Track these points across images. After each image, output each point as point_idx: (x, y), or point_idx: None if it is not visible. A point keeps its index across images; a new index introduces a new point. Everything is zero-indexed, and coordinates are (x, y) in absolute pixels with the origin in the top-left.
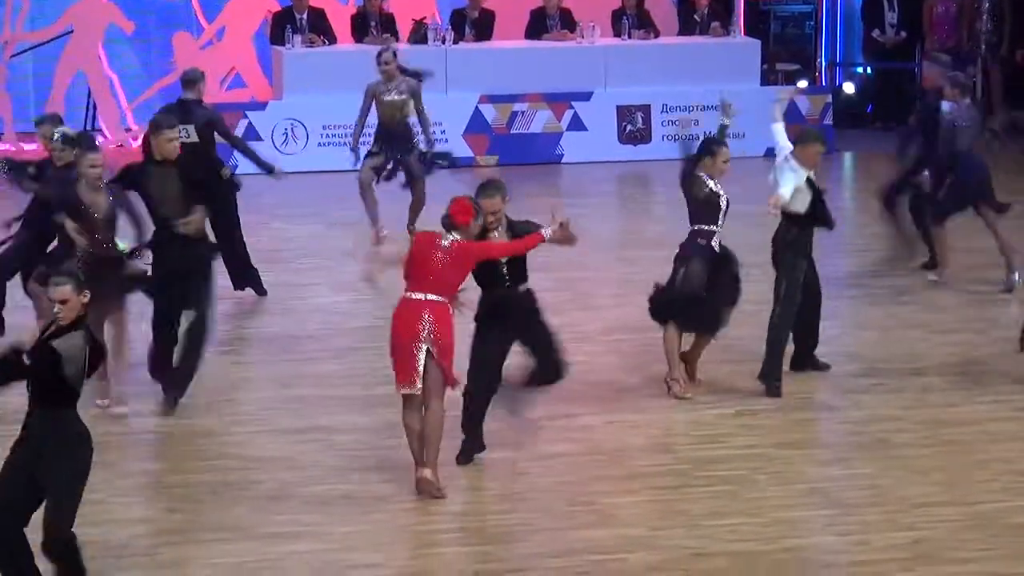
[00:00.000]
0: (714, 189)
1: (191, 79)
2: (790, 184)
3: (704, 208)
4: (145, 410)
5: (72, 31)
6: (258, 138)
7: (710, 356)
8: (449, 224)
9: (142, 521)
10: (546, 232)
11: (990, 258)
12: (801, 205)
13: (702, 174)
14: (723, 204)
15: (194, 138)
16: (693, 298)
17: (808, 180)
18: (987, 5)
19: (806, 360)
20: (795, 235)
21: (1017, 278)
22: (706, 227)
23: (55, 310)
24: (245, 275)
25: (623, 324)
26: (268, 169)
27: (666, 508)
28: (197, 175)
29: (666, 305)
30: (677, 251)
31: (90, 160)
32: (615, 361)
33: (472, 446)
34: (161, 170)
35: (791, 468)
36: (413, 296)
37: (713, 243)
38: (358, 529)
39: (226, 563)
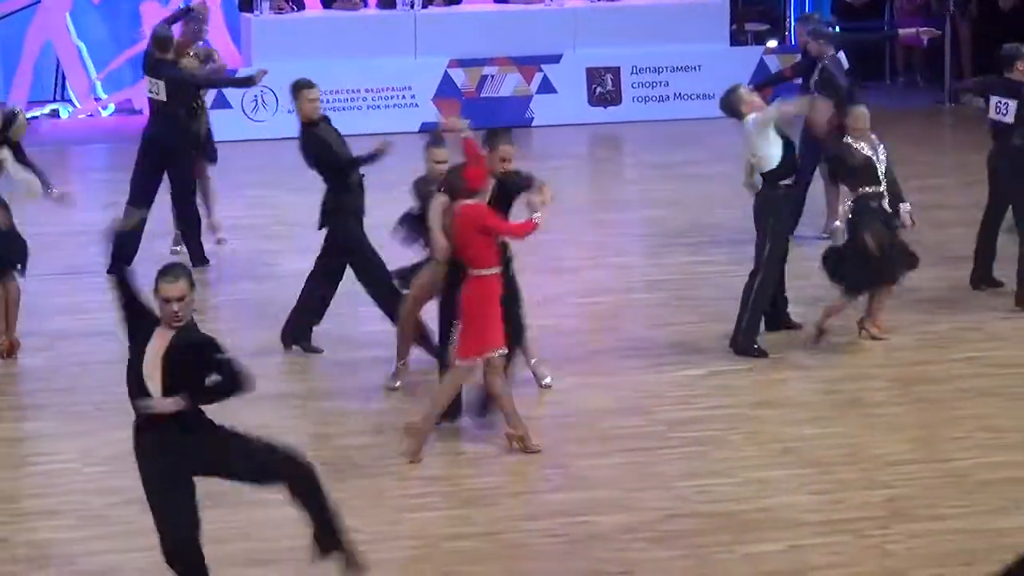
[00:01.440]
0: (866, 152)
1: (165, 39)
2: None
3: (862, 172)
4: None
5: (39, 1)
6: (228, 106)
7: (681, 317)
8: (469, 193)
9: (117, 490)
10: (537, 218)
11: (953, 215)
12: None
13: (848, 141)
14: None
15: (163, 96)
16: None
17: (779, 130)
18: None
19: (780, 320)
20: (776, 196)
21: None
22: (871, 188)
23: (174, 309)
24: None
25: (595, 286)
26: (249, 81)
27: (640, 470)
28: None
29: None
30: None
31: (435, 155)
32: (587, 324)
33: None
34: (316, 129)
35: (765, 428)
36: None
37: (884, 204)
38: (334, 495)
39: (203, 530)
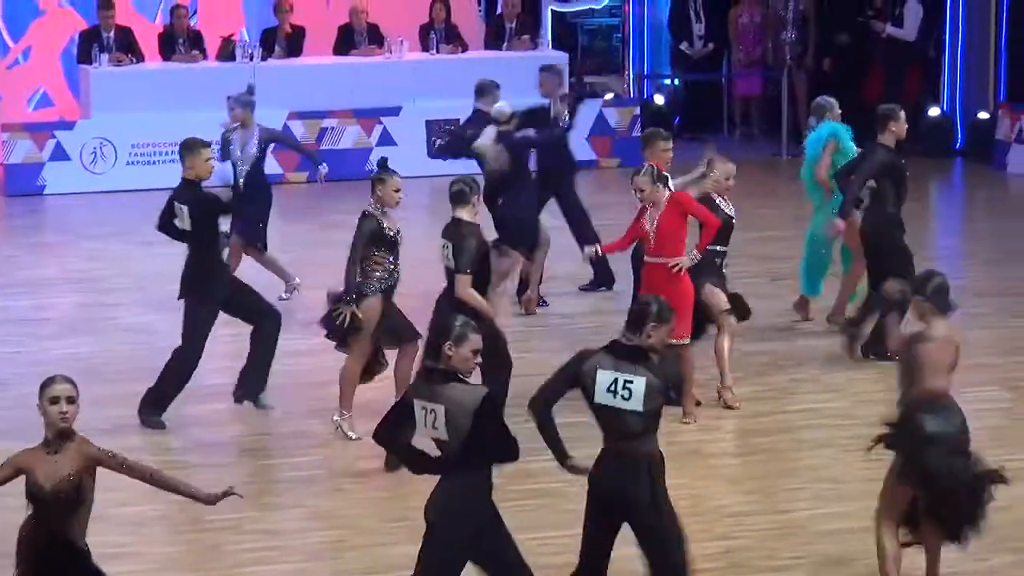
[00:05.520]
0: (726, 210)
1: None
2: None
3: (722, 231)
4: None
5: None
6: (67, 157)
7: (521, 369)
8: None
9: None
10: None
11: (791, 267)
12: None
13: (714, 196)
14: (733, 224)
15: None
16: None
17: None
18: (791, 15)
19: None
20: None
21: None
22: (721, 247)
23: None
24: None
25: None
26: None
27: None
28: None
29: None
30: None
31: (394, 185)
32: None
33: None
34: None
35: None
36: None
37: (725, 265)
38: (174, 549)
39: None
